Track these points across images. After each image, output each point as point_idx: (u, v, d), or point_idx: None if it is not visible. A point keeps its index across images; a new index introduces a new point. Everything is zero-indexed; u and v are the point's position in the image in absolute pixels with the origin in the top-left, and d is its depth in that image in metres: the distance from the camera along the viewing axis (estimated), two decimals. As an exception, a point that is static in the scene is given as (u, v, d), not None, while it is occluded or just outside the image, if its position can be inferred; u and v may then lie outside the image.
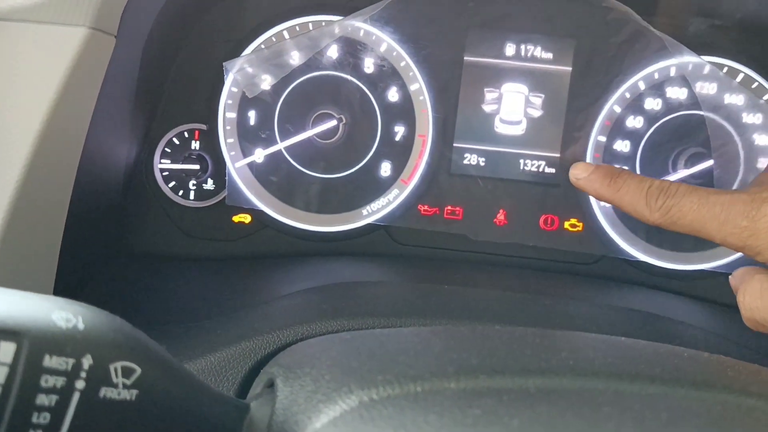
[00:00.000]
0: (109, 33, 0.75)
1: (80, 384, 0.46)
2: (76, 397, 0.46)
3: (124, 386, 0.48)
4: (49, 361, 0.45)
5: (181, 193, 1.10)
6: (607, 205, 1.08)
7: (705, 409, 0.43)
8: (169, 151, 1.09)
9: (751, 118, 1.06)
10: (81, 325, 0.47)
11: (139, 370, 0.48)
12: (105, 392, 0.47)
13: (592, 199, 1.09)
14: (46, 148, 0.73)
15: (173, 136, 1.09)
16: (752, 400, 0.47)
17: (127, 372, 0.48)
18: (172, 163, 1.09)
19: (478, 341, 0.55)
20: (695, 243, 1.08)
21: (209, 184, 1.10)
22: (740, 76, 1.06)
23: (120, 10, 0.74)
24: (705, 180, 1.06)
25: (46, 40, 0.74)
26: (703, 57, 1.04)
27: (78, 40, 0.73)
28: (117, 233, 1.07)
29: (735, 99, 1.06)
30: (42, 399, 0.45)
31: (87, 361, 0.46)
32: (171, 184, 1.10)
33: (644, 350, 0.55)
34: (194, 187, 1.10)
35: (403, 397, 0.46)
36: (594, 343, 0.56)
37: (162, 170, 1.09)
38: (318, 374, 0.53)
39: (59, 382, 0.45)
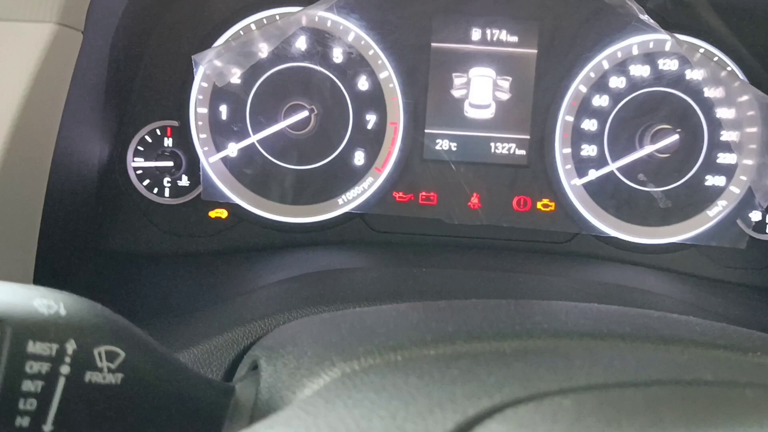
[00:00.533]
0: (75, 28, 0.76)
1: (65, 369, 0.46)
2: (61, 382, 0.46)
3: (109, 370, 0.48)
4: (33, 347, 0.45)
5: (156, 190, 1.10)
6: (578, 184, 1.11)
7: (672, 359, 0.45)
8: (141, 149, 1.09)
9: (712, 92, 1.09)
10: (63, 311, 0.47)
11: (123, 354, 0.49)
12: (90, 376, 0.47)
13: (563, 179, 1.11)
14: (18, 147, 0.73)
15: (145, 134, 1.09)
16: (719, 351, 0.49)
17: (111, 356, 0.48)
18: (145, 161, 1.09)
19: (454, 312, 0.57)
20: (662, 217, 1.11)
21: (184, 181, 1.10)
22: (700, 51, 1.09)
23: (86, 4, 0.74)
24: (671, 154, 1.09)
25: (13, 37, 0.73)
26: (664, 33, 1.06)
27: (45, 36, 0.73)
28: (93, 232, 1.06)
29: (696, 74, 1.09)
30: (28, 385, 0.45)
31: (71, 346, 0.46)
32: (145, 182, 1.09)
33: (615, 313, 0.57)
34: (169, 184, 1.10)
35: (385, 365, 0.47)
36: (566, 309, 0.58)
37: (136, 168, 1.09)
38: (300, 352, 0.54)
39: (44, 367, 0.45)
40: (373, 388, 0.42)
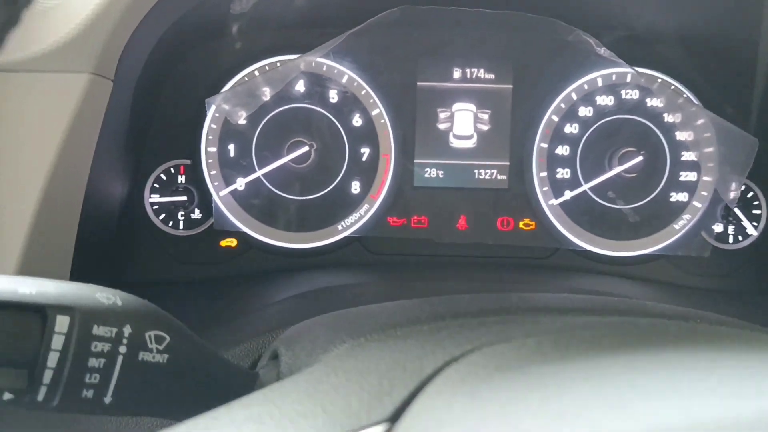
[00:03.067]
0: (107, 77, 0.87)
1: (123, 349, 0.56)
2: (120, 359, 0.56)
3: (158, 351, 0.58)
4: (97, 330, 0.55)
5: (171, 223, 1.20)
6: (555, 203, 1.22)
7: (633, 325, 0.55)
8: (157, 186, 1.20)
9: (671, 118, 1.21)
10: (119, 302, 0.58)
11: (168, 338, 0.59)
12: (143, 356, 0.57)
13: (542, 200, 1.22)
14: (55, 189, 0.83)
15: (161, 172, 1.20)
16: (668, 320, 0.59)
17: (159, 339, 0.58)
18: (161, 196, 1.20)
19: (444, 302, 0.67)
20: (633, 231, 1.22)
21: (196, 214, 1.21)
22: (659, 81, 1.22)
23: (117, 55, 0.85)
24: (637, 174, 1.20)
25: (51, 88, 0.84)
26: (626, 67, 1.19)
27: (80, 86, 0.84)
28: (115, 264, 1.16)
29: (656, 102, 1.21)
30: (92, 362, 0.55)
31: (127, 330, 0.56)
32: (161, 216, 1.20)
33: (584, 298, 0.67)
34: (183, 218, 1.21)
35: (387, 338, 0.57)
36: (542, 297, 0.68)
37: (152, 204, 1.20)
38: (314, 337, 0.64)
39: (106, 347, 0.55)
40: (378, 350, 0.52)
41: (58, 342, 0.53)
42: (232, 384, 0.64)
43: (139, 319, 0.58)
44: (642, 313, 0.61)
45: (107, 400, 0.56)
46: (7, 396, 0.52)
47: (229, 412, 0.43)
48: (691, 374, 0.38)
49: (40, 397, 0.54)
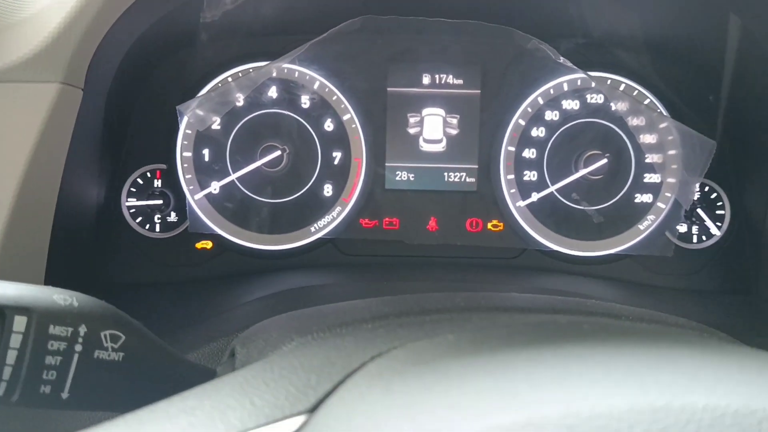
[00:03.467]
0: (77, 86, 0.90)
1: (78, 347, 0.59)
2: (75, 357, 0.59)
3: (113, 349, 0.61)
4: (53, 329, 0.58)
5: (147, 226, 1.23)
6: (522, 205, 1.25)
7: (554, 322, 0.58)
8: (134, 190, 1.23)
9: (635, 121, 1.24)
10: (75, 303, 0.60)
11: (123, 337, 0.62)
12: (98, 354, 0.60)
13: (509, 202, 1.25)
14: (27, 192, 0.85)
15: (137, 177, 1.23)
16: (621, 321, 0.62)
17: (114, 338, 0.61)
18: (137, 200, 1.22)
19: (393, 302, 0.70)
20: (598, 232, 1.25)
21: (172, 217, 1.24)
22: (622, 86, 1.25)
23: (86, 64, 0.88)
24: (603, 176, 1.24)
25: (22, 97, 0.87)
26: (589, 72, 1.22)
27: (50, 95, 0.87)
28: (93, 265, 1.19)
29: (619, 106, 1.24)
30: (49, 359, 0.58)
31: (83, 329, 0.59)
32: (138, 219, 1.23)
33: (526, 297, 0.71)
34: (159, 221, 1.24)
35: (332, 337, 0.60)
36: (486, 295, 0.71)
37: (129, 207, 1.23)
38: (267, 336, 0.67)
39: (62, 346, 0.58)
40: (322, 348, 0.55)
41: (16, 341, 0.56)
42: (191, 381, 0.66)
43: (94, 319, 0.60)
44: (577, 312, 0.65)
45: (64, 395, 0.59)
46: (-34, 391, 0.55)
47: (167, 405, 0.46)
48: (588, 367, 0.41)
49: (1, 392, 0.57)
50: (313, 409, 0.42)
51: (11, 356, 0.56)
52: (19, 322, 0.57)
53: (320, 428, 0.39)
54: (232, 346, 0.72)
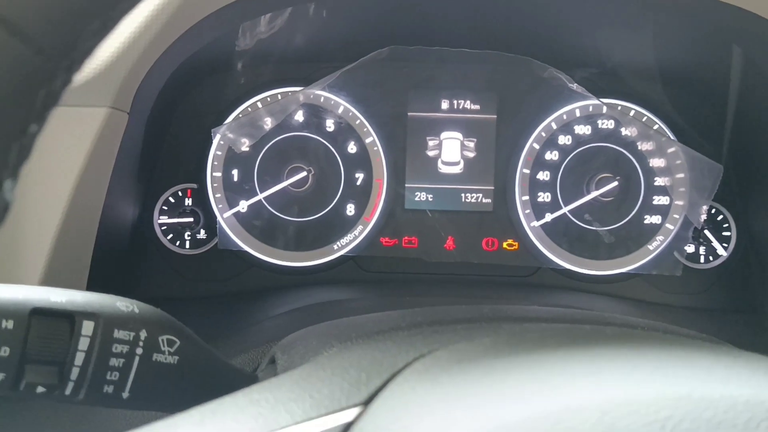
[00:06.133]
0: (123, 110, 0.96)
1: (139, 350, 0.64)
2: (136, 360, 0.64)
3: (169, 353, 0.66)
4: (117, 333, 0.63)
5: (178, 243, 1.29)
6: (537, 225, 1.30)
7: (575, 330, 0.63)
8: (166, 208, 1.29)
9: (644, 146, 1.30)
10: (137, 310, 0.66)
11: (179, 342, 0.67)
12: (156, 357, 0.65)
13: (524, 222, 1.30)
14: (74, 213, 0.91)
15: (169, 196, 1.29)
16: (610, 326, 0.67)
17: (170, 343, 0.67)
18: (169, 218, 1.28)
19: (423, 313, 0.75)
20: (609, 252, 1.30)
21: (202, 234, 1.30)
22: (632, 113, 1.31)
23: (134, 90, 0.94)
24: (614, 198, 1.29)
25: (73, 120, 0.93)
26: (601, 99, 1.28)
27: (99, 119, 0.93)
28: (127, 280, 1.25)
29: (630, 131, 1.30)
30: (113, 361, 0.63)
31: (143, 334, 0.65)
32: (169, 236, 1.29)
33: (545, 309, 0.76)
34: (189, 238, 1.29)
35: (370, 342, 0.65)
36: (509, 308, 0.76)
37: (161, 225, 1.28)
38: (308, 343, 0.72)
39: (125, 348, 0.64)
40: (361, 351, 0.60)
41: (84, 344, 0.62)
42: (234, 384, 0.72)
43: (153, 325, 0.66)
44: (597, 322, 0.70)
45: (125, 395, 0.65)
46: (40, 389, 0.60)
47: (233, 399, 0.51)
48: (616, 364, 0.46)
49: (68, 391, 0.62)
50: (367, 402, 0.47)
51: (79, 358, 0.62)
52: (87, 327, 0.62)
53: (377, 417, 0.44)
54: (272, 353, 0.77)
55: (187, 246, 1.29)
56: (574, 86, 1.23)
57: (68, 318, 0.62)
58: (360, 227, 1.30)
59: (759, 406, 0.39)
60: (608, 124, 1.30)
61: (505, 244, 1.32)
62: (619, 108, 1.30)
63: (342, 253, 1.30)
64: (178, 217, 1.28)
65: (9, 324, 0.59)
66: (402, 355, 0.55)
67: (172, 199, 1.29)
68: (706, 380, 0.42)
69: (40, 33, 0.34)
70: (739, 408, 0.39)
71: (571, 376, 0.43)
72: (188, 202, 1.30)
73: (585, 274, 1.31)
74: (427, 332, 0.64)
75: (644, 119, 1.31)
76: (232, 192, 1.28)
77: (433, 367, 0.49)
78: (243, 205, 1.28)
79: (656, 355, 0.49)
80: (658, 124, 1.31)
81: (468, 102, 1.31)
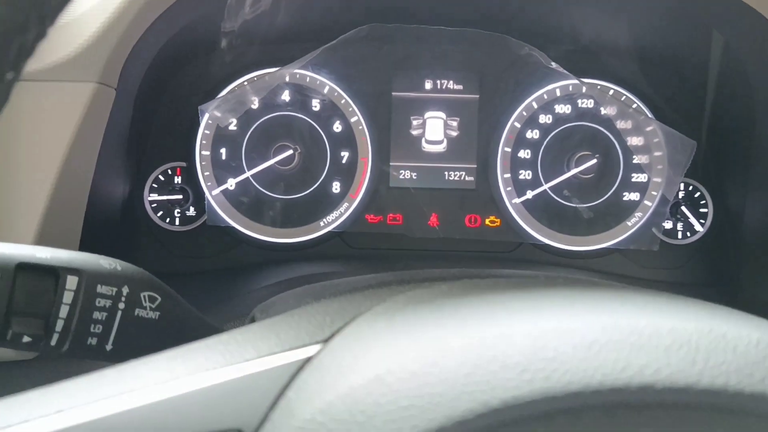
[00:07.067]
0: (110, 86, 0.99)
1: (121, 305, 0.68)
2: (119, 314, 0.68)
3: (151, 309, 0.70)
4: (101, 288, 0.67)
5: (168, 220, 1.32)
6: (518, 202, 1.34)
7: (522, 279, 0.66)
8: (156, 186, 1.32)
9: (623, 124, 1.33)
10: (119, 267, 0.69)
11: (159, 299, 0.71)
12: (138, 312, 0.69)
13: (505, 199, 1.34)
14: (63, 189, 0.93)
15: (159, 174, 1.32)
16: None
17: (152, 299, 0.70)
18: (159, 195, 1.32)
19: (394, 275, 0.78)
20: (588, 228, 1.33)
21: (191, 211, 1.33)
22: (611, 92, 1.34)
23: (120, 65, 0.97)
24: (593, 175, 1.32)
25: (61, 95, 0.95)
26: (581, 79, 1.31)
27: (87, 94, 0.96)
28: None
29: (609, 110, 1.33)
30: (96, 315, 0.67)
31: (125, 290, 0.68)
32: (159, 214, 1.32)
33: (507, 271, 0.79)
34: (179, 215, 1.32)
35: (342, 297, 0.68)
36: (472, 270, 0.79)
37: (151, 202, 1.32)
38: (285, 303, 0.75)
39: (107, 303, 0.67)
40: (332, 302, 0.64)
41: (68, 297, 0.65)
42: (214, 341, 0.75)
43: (135, 282, 0.69)
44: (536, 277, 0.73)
45: (108, 347, 0.68)
46: (26, 339, 0.64)
47: (205, 342, 0.55)
48: (560, 297, 0.50)
49: (53, 342, 0.65)
50: (327, 339, 0.50)
51: (63, 311, 0.65)
52: (71, 281, 0.66)
53: (334, 351, 0.48)
54: (252, 314, 0.81)
55: (177, 223, 1.33)
56: (553, 65, 1.26)
57: (53, 273, 0.65)
58: (346, 204, 1.34)
59: (681, 332, 0.42)
60: (588, 103, 1.33)
61: (487, 221, 1.35)
62: (599, 87, 1.33)
63: (328, 229, 1.33)
64: (168, 194, 1.31)
65: (-5, 277, 0.62)
66: (366, 303, 0.58)
67: (162, 177, 1.33)
68: (630, 312, 0.45)
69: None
70: (663, 332, 0.42)
71: (509, 312, 0.46)
72: (177, 180, 1.33)
73: (565, 249, 1.34)
74: (394, 287, 0.67)
75: (623, 98, 1.34)
76: (221, 170, 1.31)
77: (390, 309, 0.52)
78: (231, 183, 1.31)
79: (585, 295, 0.53)
80: (637, 103, 1.34)
81: (451, 82, 1.34)
